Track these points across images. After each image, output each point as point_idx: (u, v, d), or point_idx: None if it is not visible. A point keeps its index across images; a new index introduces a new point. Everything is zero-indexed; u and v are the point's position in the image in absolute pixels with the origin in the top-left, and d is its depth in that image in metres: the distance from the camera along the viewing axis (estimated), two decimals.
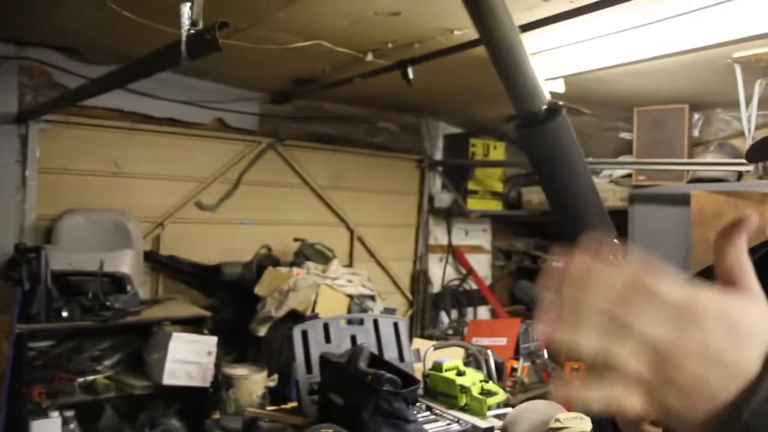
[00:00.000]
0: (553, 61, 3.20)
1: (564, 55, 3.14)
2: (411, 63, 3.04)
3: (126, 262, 3.28)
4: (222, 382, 2.68)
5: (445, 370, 2.86)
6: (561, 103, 0.75)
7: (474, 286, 5.52)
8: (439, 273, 5.40)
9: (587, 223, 0.80)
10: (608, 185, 4.58)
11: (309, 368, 2.72)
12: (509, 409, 2.75)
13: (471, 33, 2.85)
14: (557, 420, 2.37)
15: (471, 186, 5.21)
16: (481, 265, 5.67)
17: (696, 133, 4.12)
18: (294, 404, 2.94)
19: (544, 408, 2.64)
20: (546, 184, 0.81)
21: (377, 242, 4.98)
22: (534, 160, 0.79)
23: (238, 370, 2.73)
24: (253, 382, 2.65)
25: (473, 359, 3.17)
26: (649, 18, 2.66)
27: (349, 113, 4.68)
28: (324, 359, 2.52)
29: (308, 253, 4.04)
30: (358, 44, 3.09)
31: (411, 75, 3.06)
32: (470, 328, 4.89)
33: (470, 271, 5.46)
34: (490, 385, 2.84)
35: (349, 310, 3.74)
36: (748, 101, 3.41)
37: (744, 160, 3.58)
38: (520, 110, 0.77)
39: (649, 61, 3.07)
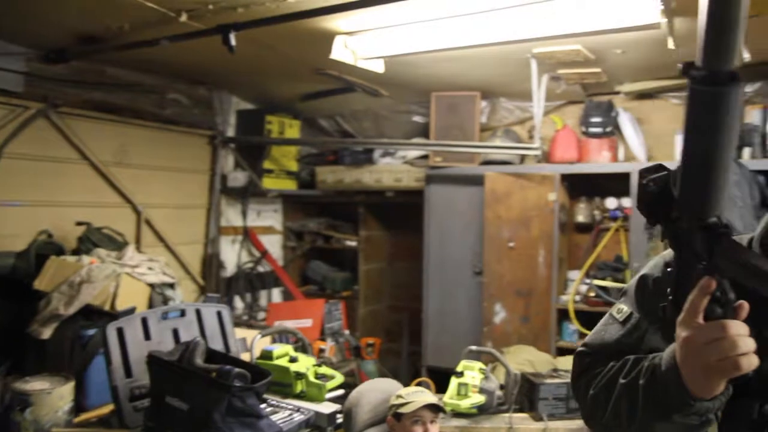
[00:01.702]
0: (374, 41, 3.19)
1: (385, 36, 3.15)
2: (234, 28, 2.78)
3: None
4: (15, 402, 2.18)
5: (276, 358, 2.72)
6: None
7: (268, 268, 5.36)
8: (232, 256, 5.14)
9: (714, 196, 0.80)
10: (403, 166, 4.76)
11: (128, 371, 2.37)
12: (341, 391, 2.72)
13: (305, 2, 2.69)
14: (399, 396, 2.39)
15: (266, 165, 5.02)
16: (273, 246, 5.53)
17: (484, 119, 4.48)
18: (98, 413, 2.57)
19: (383, 386, 2.67)
20: (693, 149, 0.79)
21: (166, 225, 4.54)
22: (695, 121, 0.76)
23: (35, 385, 2.26)
24: (58, 396, 2.22)
25: (301, 344, 3.07)
26: (465, 10, 2.79)
27: (136, 81, 4.15)
28: (154, 358, 2.21)
29: (96, 239, 3.51)
30: (171, 2, 2.73)
31: (233, 42, 2.80)
32: (270, 312, 4.75)
33: (264, 254, 5.28)
34: (324, 369, 2.76)
35: (150, 301, 3.36)
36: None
37: (529, 145, 4.03)
38: (708, 65, 0.72)
39: (456, 50, 3.23)
